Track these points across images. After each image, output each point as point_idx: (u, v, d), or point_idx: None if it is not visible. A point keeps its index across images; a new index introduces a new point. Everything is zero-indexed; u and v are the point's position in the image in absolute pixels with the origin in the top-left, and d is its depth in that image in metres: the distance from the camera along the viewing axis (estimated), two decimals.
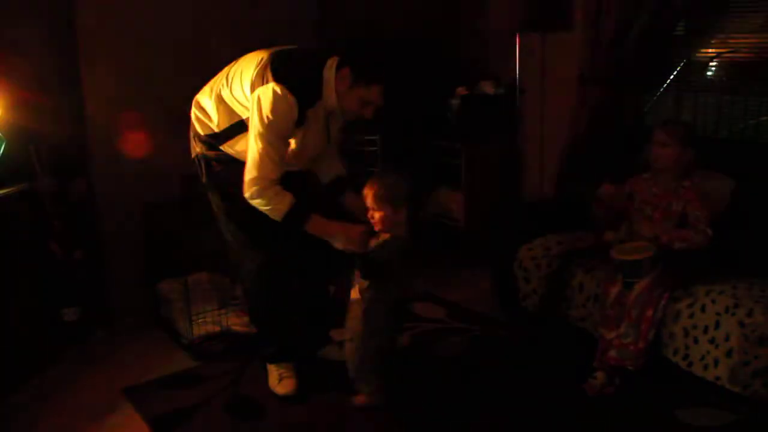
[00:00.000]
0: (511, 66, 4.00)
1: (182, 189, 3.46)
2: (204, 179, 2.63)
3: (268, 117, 2.31)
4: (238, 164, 2.45)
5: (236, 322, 3.20)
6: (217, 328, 3.16)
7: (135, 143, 3.43)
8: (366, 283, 2.47)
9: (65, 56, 3.21)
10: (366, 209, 2.49)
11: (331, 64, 2.40)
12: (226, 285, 3.45)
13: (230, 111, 2.50)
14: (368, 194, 2.44)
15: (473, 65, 4.31)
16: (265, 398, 2.70)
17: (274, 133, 2.34)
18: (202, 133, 2.59)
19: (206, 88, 2.61)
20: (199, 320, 3.15)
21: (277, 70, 2.34)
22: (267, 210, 2.39)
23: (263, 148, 2.34)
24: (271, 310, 2.73)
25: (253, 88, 2.37)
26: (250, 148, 2.37)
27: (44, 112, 3.05)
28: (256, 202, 2.39)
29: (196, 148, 2.63)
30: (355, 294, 2.53)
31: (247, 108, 2.44)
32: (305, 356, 2.89)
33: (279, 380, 2.72)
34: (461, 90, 4.10)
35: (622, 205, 2.85)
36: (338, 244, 2.45)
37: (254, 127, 2.35)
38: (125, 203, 3.44)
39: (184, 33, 3.52)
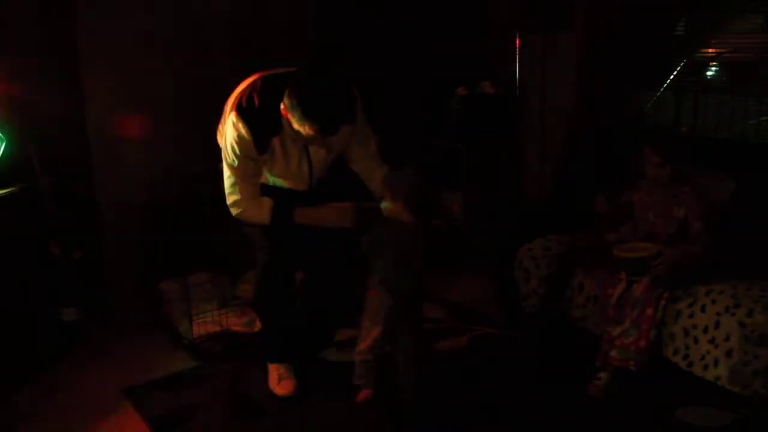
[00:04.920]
0: (511, 66, 4.00)
1: (182, 189, 3.46)
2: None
3: (229, 143, 2.44)
4: None
5: (236, 322, 3.21)
6: (217, 328, 3.16)
7: (135, 143, 3.43)
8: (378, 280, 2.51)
9: (65, 56, 3.21)
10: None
11: (289, 95, 2.33)
12: (226, 285, 3.45)
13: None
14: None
15: (473, 65, 4.30)
16: (265, 398, 2.70)
17: (237, 156, 2.44)
18: (220, 144, 2.65)
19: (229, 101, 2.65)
20: (199, 320, 3.15)
21: (240, 102, 2.42)
22: (254, 218, 2.54)
23: (232, 171, 2.48)
24: (275, 309, 2.74)
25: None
26: (224, 170, 2.52)
27: (44, 112, 3.06)
28: (243, 218, 2.55)
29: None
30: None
31: None
32: (306, 357, 2.90)
33: (279, 381, 2.73)
34: (461, 90, 4.10)
35: (620, 216, 2.87)
36: (330, 224, 2.54)
37: (223, 151, 2.51)
38: (125, 203, 3.44)
39: (184, 33, 3.52)
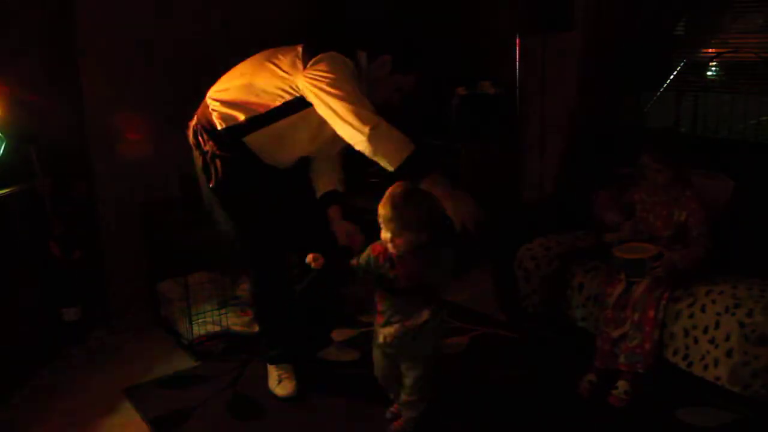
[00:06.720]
0: (511, 66, 3.99)
1: (182, 189, 3.46)
2: (212, 183, 2.55)
3: (337, 76, 2.29)
4: (243, 165, 2.46)
5: (236, 322, 3.21)
6: (217, 328, 3.16)
7: (134, 143, 3.43)
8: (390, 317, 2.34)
9: (65, 56, 3.21)
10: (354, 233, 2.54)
11: (362, 55, 2.43)
12: (226, 285, 3.45)
13: (257, 102, 2.42)
14: (384, 213, 2.16)
15: (473, 65, 4.30)
16: (265, 398, 2.71)
17: (350, 84, 2.30)
18: (220, 127, 2.48)
19: (223, 83, 2.56)
20: (199, 320, 3.15)
21: (325, 46, 2.38)
22: (392, 143, 2.23)
23: (348, 101, 2.25)
24: (273, 313, 2.74)
25: (294, 70, 2.36)
26: (336, 114, 2.26)
27: (44, 112, 3.05)
28: (375, 148, 2.22)
29: (205, 147, 2.53)
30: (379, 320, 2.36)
31: (279, 95, 2.38)
32: (306, 357, 2.90)
33: (278, 381, 2.73)
34: (461, 90, 4.10)
35: (618, 214, 2.86)
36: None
37: (328, 94, 2.27)
38: (125, 203, 3.44)
39: (184, 33, 3.52)
